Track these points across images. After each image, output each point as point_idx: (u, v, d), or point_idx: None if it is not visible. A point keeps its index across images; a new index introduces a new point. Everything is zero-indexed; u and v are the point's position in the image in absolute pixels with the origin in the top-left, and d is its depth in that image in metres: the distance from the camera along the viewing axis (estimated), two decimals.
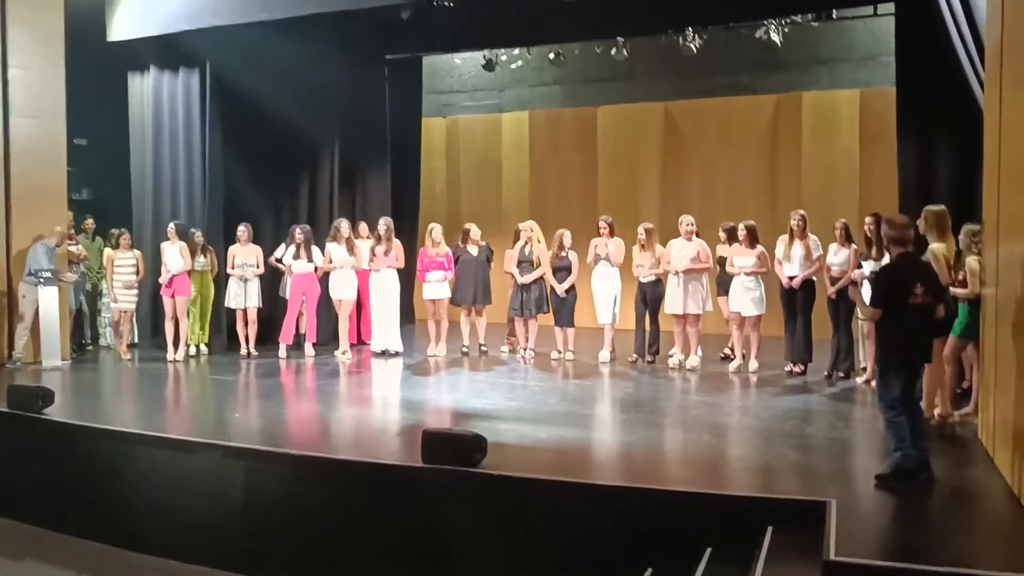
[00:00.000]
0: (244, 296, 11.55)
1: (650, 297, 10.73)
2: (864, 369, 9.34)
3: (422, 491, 6.27)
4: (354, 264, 11.47)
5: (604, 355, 10.95)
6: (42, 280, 10.49)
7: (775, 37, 11.87)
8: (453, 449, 6.19)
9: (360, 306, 12.08)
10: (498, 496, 6.00)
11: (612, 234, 10.97)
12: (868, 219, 9.07)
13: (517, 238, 11.43)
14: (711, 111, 13.84)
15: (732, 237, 10.68)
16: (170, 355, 11.20)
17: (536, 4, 10.98)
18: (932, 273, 6.10)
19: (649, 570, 5.50)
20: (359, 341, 12.24)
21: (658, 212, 13.69)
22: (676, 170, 14.13)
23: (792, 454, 6.78)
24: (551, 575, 5.78)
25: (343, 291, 11.48)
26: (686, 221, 10.50)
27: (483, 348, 11.75)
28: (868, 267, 8.86)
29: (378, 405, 9.04)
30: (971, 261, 7.01)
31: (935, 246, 7.19)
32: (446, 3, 11.20)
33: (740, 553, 5.05)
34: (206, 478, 7.05)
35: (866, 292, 8.93)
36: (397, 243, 11.61)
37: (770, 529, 5.29)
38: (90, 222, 12.73)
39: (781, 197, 13.18)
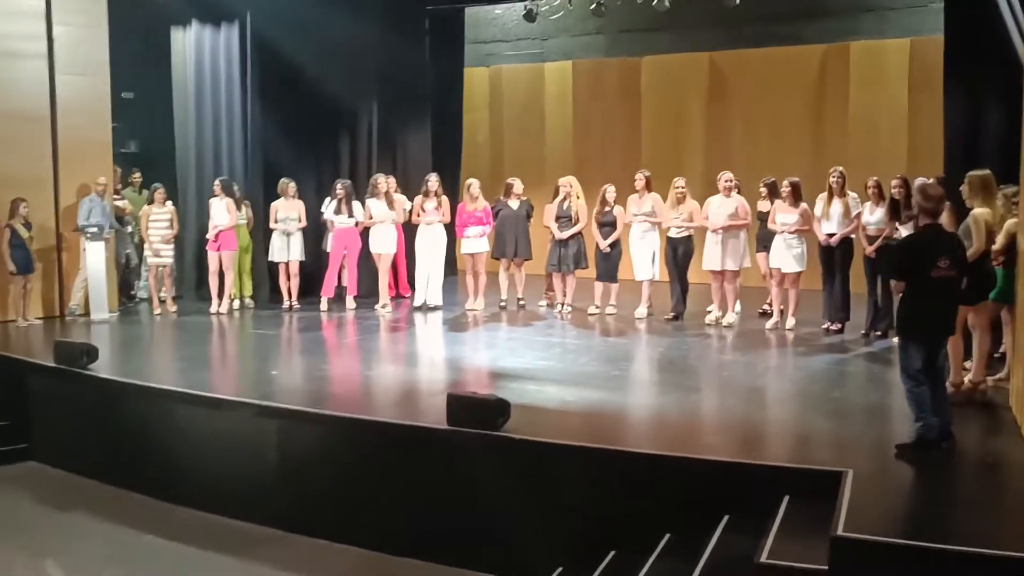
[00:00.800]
0: (287, 250, 11.72)
1: (681, 253, 10.65)
2: None
3: (448, 453, 6.40)
4: (394, 218, 11.54)
5: (641, 311, 10.93)
6: (89, 235, 10.73)
7: None
8: (476, 413, 6.28)
9: (398, 260, 12.17)
10: (518, 459, 6.10)
11: (649, 189, 10.86)
12: (894, 182, 8.91)
13: (557, 193, 11.39)
14: (756, 61, 13.59)
15: (773, 192, 10.54)
16: (213, 307, 11.44)
17: None
18: (959, 245, 5.99)
19: (667, 535, 5.60)
20: (398, 294, 12.35)
21: (702, 163, 13.56)
22: (720, 121, 13.94)
23: (818, 420, 6.78)
24: (569, 538, 5.88)
25: (383, 245, 11.58)
26: (725, 177, 10.36)
27: (521, 302, 11.81)
28: (905, 231, 8.72)
29: (411, 363, 9.14)
30: (1009, 224, 6.86)
31: (977, 211, 7.02)
32: None
33: (756, 522, 5.08)
34: (241, 435, 7.26)
35: None
36: (444, 198, 11.65)
37: (787, 499, 5.32)
38: (137, 175, 12.96)
39: (827, 149, 12.93)
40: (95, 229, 10.75)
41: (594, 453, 5.88)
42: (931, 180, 6.63)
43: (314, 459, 6.94)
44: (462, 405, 6.37)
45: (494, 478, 6.21)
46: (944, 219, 8.20)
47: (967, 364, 7.26)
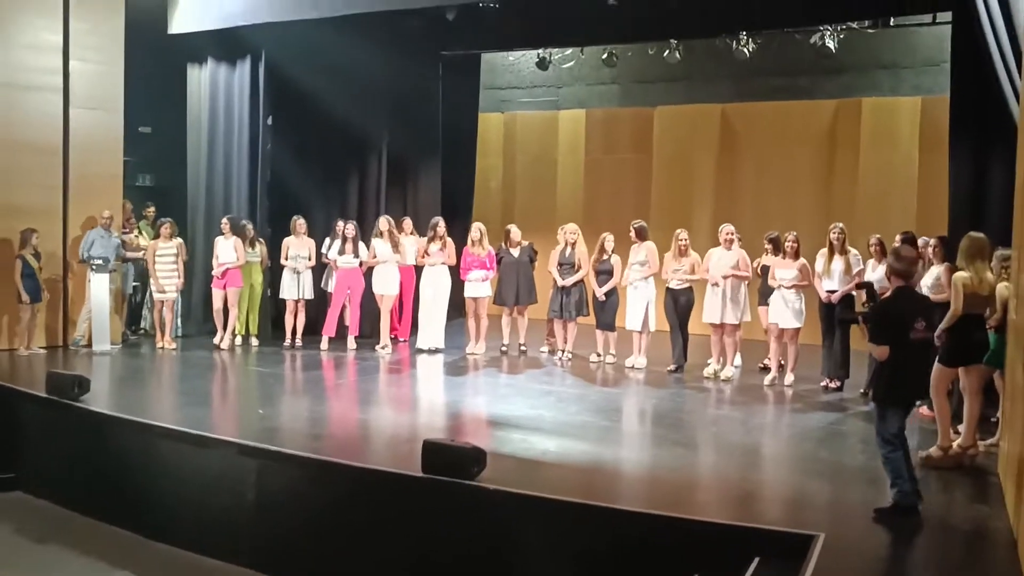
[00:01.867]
0: (297, 287, 11.79)
1: (682, 304, 10.59)
2: None
3: (421, 501, 6.34)
4: (397, 259, 11.58)
5: (632, 361, 10.88)
6: (94, 267, 10.83)
7: (830, 43, 11.58)
8: (451, 461, 6.23)
9: (401, 302, 12.19)
10: (488, 509, 6.03)
11: (642, 239, 10.83)
12: (898, 237, 8.84)
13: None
14: (768, 114, 13.58)
15: (776, 246, 10.48)
16: (216, 340, 11.52)
17: (588, 5, 10.90)
18: (931, 307, 5.94)
19: None
20: (397, 336, 12.35)
21: (711, 215, 13.53)
22: (731, 173, 13.91)
23: (801, 481, 6.68)
24: None
25: (385, 286, 11.62)
26: (726, 230, 10.34)
27: (523, 348, 11.78)
28: None
29: (400, 407, 9.15)
30: (1000, 288, 6.76)
31: (957, 275, 6.94)
32: (492, 4, 11.16)
33: None
34: (221, 474, 7.23)
35: None
36: (449, 240, 11.70)
37: (756, 560, 5.22)
38: (151, 209, 13.09)
39: (836, 205, 12.88)
40: (100, 261, 10.86)
41: (560, 506, 5.80)
42: (907, 239, 6.56)
43: (289, 501, 6.91)
44: (437, 453, 6.32)
45: (466, 528, 6.14)
46: (943, 279, 8.19)
47: (959, 428, 7.14)
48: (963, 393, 7.02)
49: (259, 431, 7.70)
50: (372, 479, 6.56)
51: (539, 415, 8.41)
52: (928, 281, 8.44)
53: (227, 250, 11.44)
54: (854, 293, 9.53)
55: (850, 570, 4.99)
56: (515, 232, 11.71)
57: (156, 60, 12.69)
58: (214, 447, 7.27)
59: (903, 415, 5.66)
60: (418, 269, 11.92)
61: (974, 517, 5.86)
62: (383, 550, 6.43)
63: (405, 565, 6.36)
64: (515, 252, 11.64)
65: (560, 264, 11.17)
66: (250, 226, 11.86)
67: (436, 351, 11.64)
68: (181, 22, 12.38)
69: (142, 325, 12.60)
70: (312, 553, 6.69)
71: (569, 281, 11.06)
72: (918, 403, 8.14)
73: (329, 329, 11.79)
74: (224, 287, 11.48)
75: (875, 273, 9.25)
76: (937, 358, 7.09)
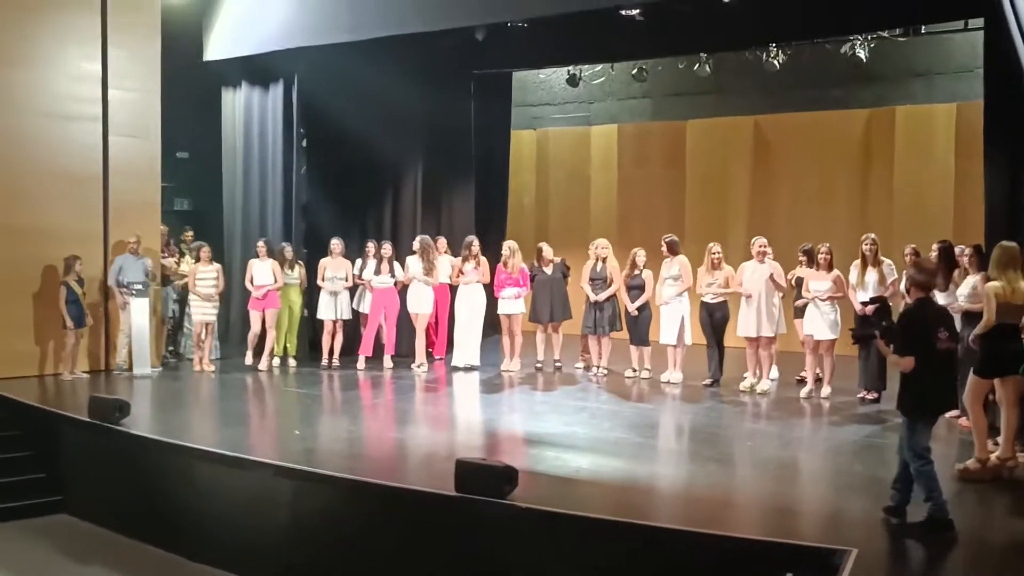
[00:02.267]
0: (335, 308, 11.90)
1: (717, 318, 10.56)
2: None
3: (454, 519, 6.38)
4: (428, 280, 11.65)
5: (668, 376, 10.86)
6: (134, 292, 11.02)
7: (861, 53, 11.51)
8: (483, 479, 6.25)
9: (436, 320, 12.26)
10: (520, 528, 6.05)
11: (674, 253, 10.83)
12: (935, 245, 8.77)
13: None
14: (801, 125, 13.52)
15: (810, 258, 10.41)
16: (250, 362, 11.69)
17: (616, 22, 10.93)
18: (950, 317, 5.93)
19: None
20: (434, 355, 12.41)
21: (745, 228, 13.48)
22: (765, 185, 13.87)
23: (834, 494, 6.63)
24: None
25: (419, 305, 11.70)
26: (758, 243, 10.30)
27: (558, 364, 11.81)
28: (941, 300, 8.57)
29: (435, 425, 9.18)
30: (990, 286, 6.70)
31: (989, 284, 6.86)
32: (521, 24, 11.24)
33: None
34: (257, 495, 7.31)
35: None
36: (483, 259, 11.77)
37: None
38: (190, 234, 13.29)
39: (872, 215, 12.78)
40: (140, 286, 11.04)
41: (590, 523, 5.81)
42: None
43: (324, 520, 6.96)
44: (470, 471, 6.35)
45: (499, 546, 6.17)
46: (980, 288, 8.10)
47: (998, 440, 7.04)
48: (999, 404, 6.93)
49: (295, 452, 7.79)
50: (406, 498, 6.60)
51: (572, 432, 8.42)
52: (964, 291, 8.35)
53: (263, 272, 11.59)
54: (889, 304, 9.45)
55: None
56: (547, 250, 11.77)
57: (192, 86, 12.94)
58: (250, 468, 7.35)
59: (932, 427, 5.62)
60: (452, 288, 12.00)
61: (1011, 531, 5.78)
62: (418, 569, 6.46)
63: None
64: (548, 270, 11.71)
65: (592, 279, 11.20)
66: (289, 248, 12.00)
67: (472, 368, 11.70)
68: (216, 49, 12.62)
69: (180, 349, 12.75)
70: (347, 573, 6.76)
71: (601, 296, 11.08)
72: (954, 414, 8.16)
73: (366, 349, 11.89)
74: (262, 309, 11.62)
75: None
76: (972, 369, 7.03)
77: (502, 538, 6.16)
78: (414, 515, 6.57)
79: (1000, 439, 6.98)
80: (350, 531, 6.82)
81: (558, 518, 5.94)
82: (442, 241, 12.30)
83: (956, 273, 8.77)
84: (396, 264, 11.87)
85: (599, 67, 14.34)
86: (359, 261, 12.01)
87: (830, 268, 9.84)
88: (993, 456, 6.84)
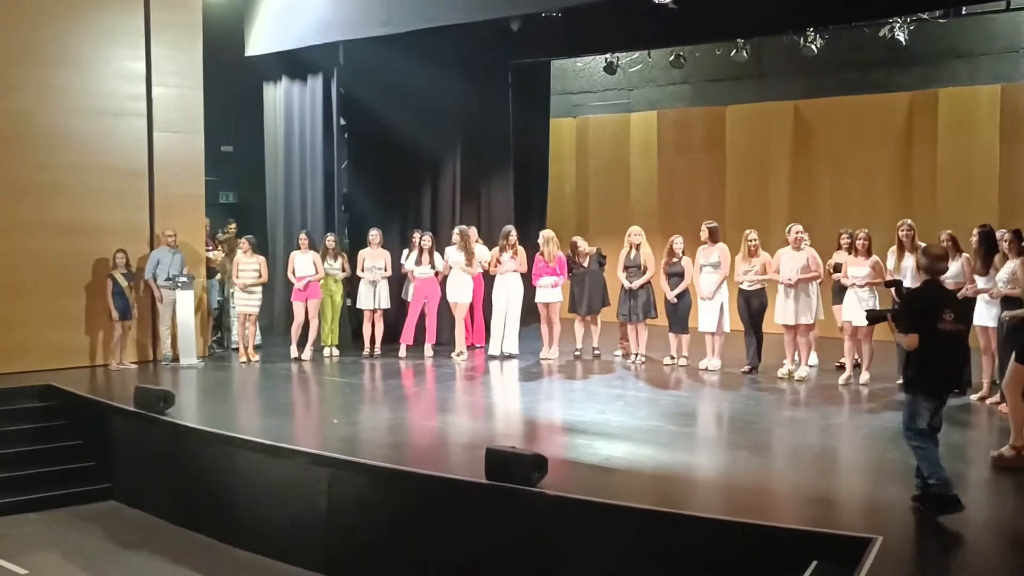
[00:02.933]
0: (374, 298, 12.06)
1: (755, 306, 10.51)
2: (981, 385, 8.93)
3: (485, 507, 6.48)
4: (468, 269, 11.75)
5: (706, 363, 10.86)
6: (179, 285, 11.26)
7: (900, 35, 11.34)
8: (513, 468, 6.34)
9: (474, 309, 12.36)
10: (548, 515, 6.13)
11: (715, 240, 10.79)
12: (974, 231, 8.66)
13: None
14: (842, 109, 13.36)
15: (851, 243, 10.31)
16: (294, 353, 11.86)
17: (650, 9, 10.90)
18: (959, 300, 5.94)
19: None
20: (473, 343, 12.51)
21: (787, 213, 13.36)
22: (806, 171, 13.75)
23: (866, 482, 6.63)
24: None
25: (459, 294, 11.81)
26: (795, 229, 10.23)
27: (596, 352, 11.85)
28: (980, 283, 8.49)
29: (471, 414, 9.29)
30: None
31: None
32: (555, 14, 11.25)
33: None
34: (295, 482, 7.49)
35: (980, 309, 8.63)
36: (520, 248, 11.84)
37: (814, 563, 5.21)
38: (233, 226, 13.51)
39: (915, 200, 12.63)
40: (185, 279, 11.28)
41: (616, 511, 5.87)
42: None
43: (359, 508, 7.11)
44: (500, 460, 6.44)
45: (528, 534, 6.26)
46: (1020, 272, 8.02)
47: None
48: None
49: (334, 440, 7.93)
50: (438, 486, 6.71)
51: (607, 419, 8.47)
52: (1003, 275, 8.26)
53: (305, 264, 11.77)
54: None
55: (907, 573, 4.94)
56: (582, 244, 11.83)
57: (235, 81, 13.17)
58: (288, 457, 7.52)
59: (934, 408, 5.64)
60: (488, 277, 12.08)
61: None
62: (450, 556, 6.58)
63: (471, 571, 6.49)
64: (584, 263, 11.73)
65: (626, 267, 11.21)
66: (331, 238, 12.16)
67: (510, 357, 11.78)
68: (256, 44, 12.83)
69: (226, 339, 12.98)
70: (382, 558, 6.90)
71: (635, 284, 11.08)
72: (995, 400, 8.08)
73: (407, 337, 12.04)
74: (305, 300, 11.81)
75: (949, 269, 9.05)
76: (1014, 356, 6.95)
77: (532, 526, 6.25)
78: (447, 503, 6.69)
79: None
80: (386, 518, 6.95)
81: (586, 506, 6.01)
82: (473, 230, 12.27)
83: (996, 258, 8.65)
84: (437, 254, 11.98)
85: (636, 54, 14.29)
86: (406, 251, 12.13)
87: (868, 254, 9.76)
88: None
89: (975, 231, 8.91)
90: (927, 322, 5.60)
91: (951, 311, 5.63)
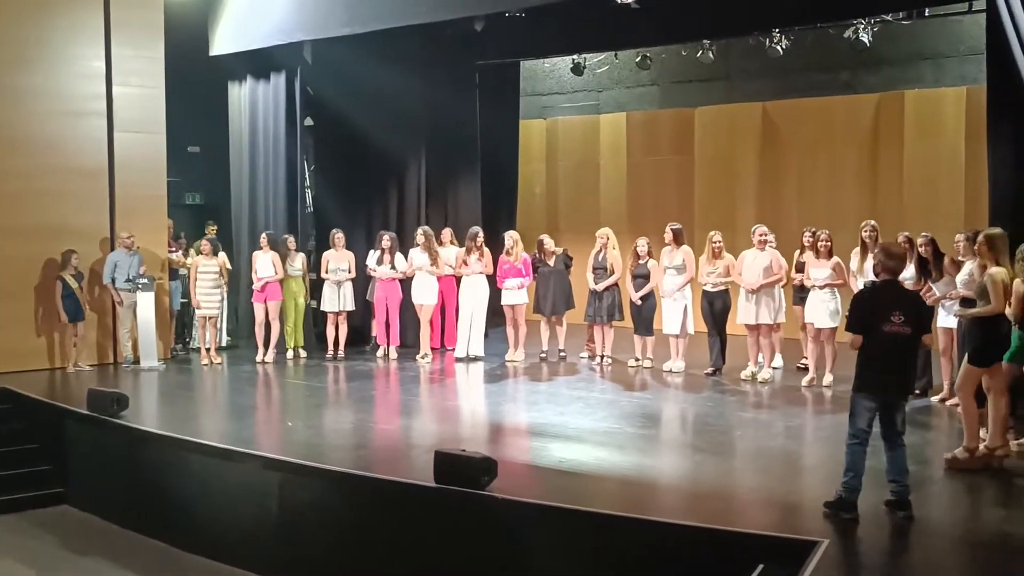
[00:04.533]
0: (338, 300, 11.95)
1: (718, 307, 10.48)
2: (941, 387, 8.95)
3: (434, 511, 6.41)
4: (433, 270, 11.68)
5: (670, 365, 10.82)
6: (140, 286, 11.13)
7: (864, 37, 11.33)
8: (462, 470, 6.28)
9: (443, 311, 12.29)
10: (496, 518, 6.07)
11: (679, 243, 10.76)
12: (920, 239, 8.83)
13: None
14: (809, 111, 13.34)
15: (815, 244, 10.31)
16: (259, 356, 11.73)
17: (614, 9, 10.86)
18: (916, 302, 5.93)
19: None
20: (441, 345, 12.42)
21: (755, 214, 13.34)
22: (774, 171, 13.72)
23: (819, 484, 6.54)
24: None
25: (424, 296, 11.74)
26: (759, 231, 10.23)
27: (562, 353, 11.79)
28: (937, 289, 8.53)
29: (429, 416, 9.24)
30: (1018, 284, 6.59)
31: (993, 270, 6.81)
32: (519, 14, 11.18)
33: None
34: (248, 486, 7.41)
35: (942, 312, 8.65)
36: (486, 250, 11.77)
37: (760, 567, 5.17)
38: (214, 228, 13.25)
39: (882, 201, 12.62)
40: (146, 280, 11.15)
41: (561, 513, 5.82)
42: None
43: (310, 511, 7.04)
44: (448, 463, 6.38)
45: (477, 537, 6.20)
46: (977, 274, 8.01)
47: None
48: (987, 393, 6.84)
49: (289, 444, 7.87)
50: (388, 490, 6.66)
51: (564, 422, 8.42)
52: (962, 276, 8.26)
53: (265, 265, 11.67)
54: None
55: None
56: (548, 242, 11.74)
57: (201, 80, 13.05)
58: (240, 460, 7.43)
59: (876, 409, 5.64)
60: (458, 279, 12.02)
61: (992, 522, 5.71)
62: (401, 559, 6.51)
63: (422, 574, 6.43)
64: (550, 263, 11.66)
65: (594, 268, 11.17)
66: (291, 240, 12.06)
67: (475, 359, 11.70)
68: (221, 43, 12.71)
69: (188, 341, 12.82)
70: (334, 562, 6.82)
71: (602, 285, 11.03)
72: (954, 402, 8.08)
73: (381, 337, 11.96)
74: (264, 301, 11.71)
75: (907, 271, 9.04)
76: (966, 358, 6.95)
77: (481, 529, 6.19)
78: (398, 506, 6.63)
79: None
80: (338, 522, 6.90)
81: (533, 509, 5.96)
82: (447, 232, 12.28)
83: (946, 262, 8.73)
84: (399, 255, 11.89)
85: (603, 56, 14.26)
86: (371, 252, 12.04)
87: (830, 255, 9.76)
88: (982, 445, 6.76)
89: (921, 239, 8.97)
90: (872, 323, 5.59)
91: (901, 313, 5.58)
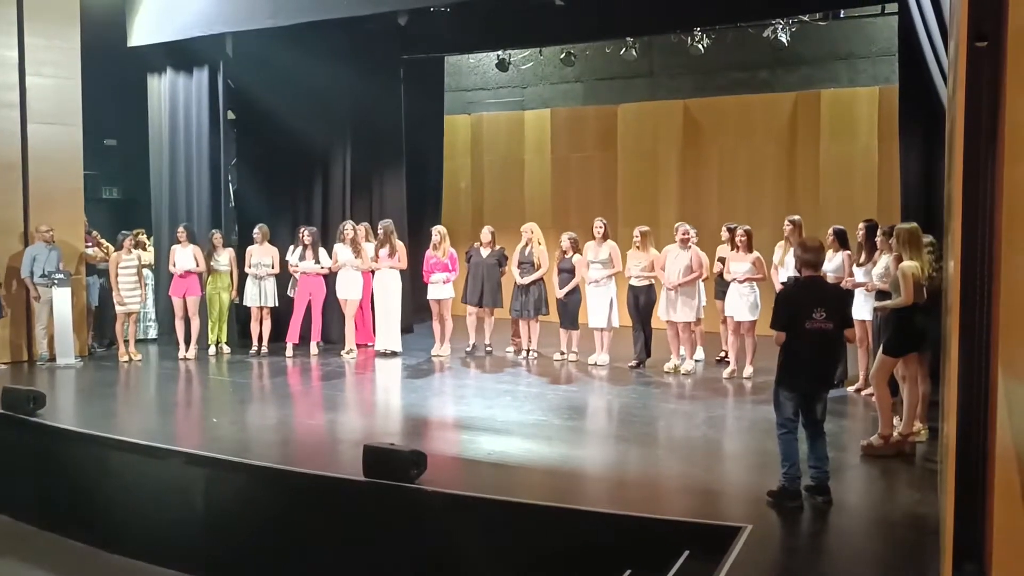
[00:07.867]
0: (260, 295, 11.82)
1: (643, 301, 10.63)
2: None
3: (364, 504, 6.40)
4: (357, 265, 11.62)
5: (595, 358, 10.95)
6: (55, 282, 10.86)
7: (782, 37, 11.62)
8: (391, 464, 6.28)
9: (366, 306, 12.22)
10: (426, 511, 6.09)
11: (606, 238, 10.89)
12: (860, 225, 8.94)
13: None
14: (730, 108, 13.63)
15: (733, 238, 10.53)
16: (181, 353, 11.55)
17: (539, 6, 10.95)
18: (839, 297, 6.11)
19: None
20: (366, 342, 12.36)
21: (677, 210, 13.60)
22: (695, 167, 13.98)
23: (742, 472, 6.75)
24: None
25: (348, 291, 11.67)
26: (682, 229, 10.41)
27: (488, 348, 11.82)
28: (859, 274, 8.76)
29: (355, 411, 9.19)
30: (905, 266, 6.88)
31: (904, 264, 7.04)
32: (444, 9, 11.19)
33: None
34: (172, 483, 7.28)
35: (859, 303, 8.89)
36: (400, 244, 11.72)
37: (686, 553, 5.28)
38: (144, 236, 12.97)
39: (800, 196, 12.98)
40: (61, 276, 10.89)
41: (488, 504, 5.87)
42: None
43: (237, 508, 6.96)
44: (377, 456, 6.38)
45: (408, 530, 6.21)
46: (892, 268, 8.26)
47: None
48: (900, 382, 7.09)
49: (214, 440, 7.75)
50: (316, 484, 6.61)
51: (492, 415, 8.47)
52: (878, 270, 8.51)
53: (185, 258, 11.48)
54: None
55: (772, 561, 5.07)
56: (485, 233, 11.73)
57: (119, 72, 12.73)
58: (163, 457, 7.31)
59: (798, 400, 5.82)
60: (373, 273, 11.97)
61: (905, 504, 5.92)
62: (331, 554, 6.48)
63: (354, 569, 6.41)
64: (484, 252, 11.67)
65: (520, 263, 11.24)
66: (218, 235, 11.89)
67: (394, 354, 11.66)
68: (140, 34, 12.43)
69: (107, 339, 12.54)
70: (262, 559, 6.75)
71: (527, 280, 11.11)
72: (869, 392, 8.33)
73: (292, 336, 11.81)
74: (183, 295, 11.52)
75: (831, 263, 9.28)
76: (881, 348, 7.19)
77: (411, 522, 6.20)
78: (327, 501, 6.59)
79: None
80: (265, 518, 6.82)
81: (459, 500, 5.99)
82: (363, 227, 12.15)
83: (878, 253, 8.94)
84: (322, 250, 11.80)
85: (527, 52, 14.35)
86: (292, 247, 11.91)
87: (749, 249, 9.98)
88: (896, 432, 7.00)
89: (861, 225, 9.15)
90: (794, 321, 5.75)
91: (823, 309, 5.74)
